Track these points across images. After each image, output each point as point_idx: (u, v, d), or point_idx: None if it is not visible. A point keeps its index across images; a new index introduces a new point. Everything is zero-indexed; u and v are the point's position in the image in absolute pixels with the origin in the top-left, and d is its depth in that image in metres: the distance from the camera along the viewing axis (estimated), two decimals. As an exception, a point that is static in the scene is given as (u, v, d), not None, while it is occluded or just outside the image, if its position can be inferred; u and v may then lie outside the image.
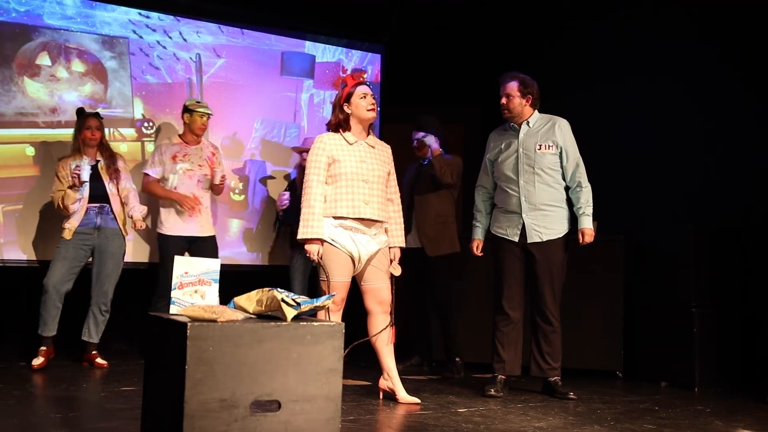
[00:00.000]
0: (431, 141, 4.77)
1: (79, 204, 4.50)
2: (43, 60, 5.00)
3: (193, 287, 2.58)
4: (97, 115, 4.68)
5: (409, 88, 6.19)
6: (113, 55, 5.23)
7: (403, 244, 3.75)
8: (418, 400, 3.63)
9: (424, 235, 4.80)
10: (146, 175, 4.84)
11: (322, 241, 3.50)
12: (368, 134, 3.70)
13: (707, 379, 4.46)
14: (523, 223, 3.97)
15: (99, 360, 4.56)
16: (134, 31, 5.30)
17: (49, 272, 4.43)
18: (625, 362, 4.81)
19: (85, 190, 4.50)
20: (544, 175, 3.98)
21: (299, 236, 3.51)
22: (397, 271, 3.67)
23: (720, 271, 4.66)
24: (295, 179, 5.29)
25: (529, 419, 3.30)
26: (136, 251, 5.16)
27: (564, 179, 4.02)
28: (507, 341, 4.00)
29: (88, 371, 4.39)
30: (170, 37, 5.43)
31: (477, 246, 4.21)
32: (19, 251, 4.88)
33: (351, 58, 6.14)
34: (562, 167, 4.00)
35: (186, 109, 4.90)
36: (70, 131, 4.74)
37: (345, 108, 3.63)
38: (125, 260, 4.74)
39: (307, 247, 3.51)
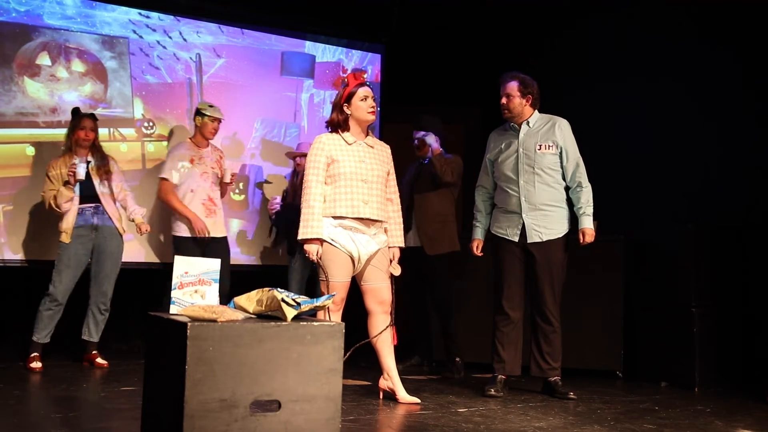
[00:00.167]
0: (432, 140, 4.77)
1: (70, 204, 4.47)
2: (43, 60, 5.00)
3: (193, 287, 2.58)
4: (92, 116, 4.64)
5: (409, 88, 6.19)
6: (113, 55, 5.23)
7: (403, 244, 3.76)
8: (418, 400, 3.63)
9: (423, 234, 4.81)
10: (165, 180, 4.78)
11: (321, 241, 3.50)
12: (367, 134, 3.70)
13: (707, 379, 4.46)
14: (523, 223, 3.97)
15: (99, 360, 4.56)
16: (134, 31, 5.30)
17: (56, 281, 4.40)
18: (625, 362, 4.81)
19: (77, 190, 4.48)
20: (544, 175, 3.97)
21: (299, 236, 3.52)
22: (397, 270, 3.68)
23: (720, 271, 4.66)
24: (287, 187, 5.28)
25: (529, 419, 3.30)
26: (136, 251, 5.16)
27: (564, 179, 4.02)
28: (507, 341, 3.99)
29: (88, 371, 4.39)
30: (170, 37, 5.43)
31: (477, 246, 4.21)
32: (19, 251, 4.88)
33: (351, 58, 6.14)
34: (562, 167, 4.00)
35: (198, 112, 4.87)
36: (70, 131, 4.74)
37: (345, 109, 3.62)
38: (124, 260, 4.74)
39: (306, 247, 3.51)
